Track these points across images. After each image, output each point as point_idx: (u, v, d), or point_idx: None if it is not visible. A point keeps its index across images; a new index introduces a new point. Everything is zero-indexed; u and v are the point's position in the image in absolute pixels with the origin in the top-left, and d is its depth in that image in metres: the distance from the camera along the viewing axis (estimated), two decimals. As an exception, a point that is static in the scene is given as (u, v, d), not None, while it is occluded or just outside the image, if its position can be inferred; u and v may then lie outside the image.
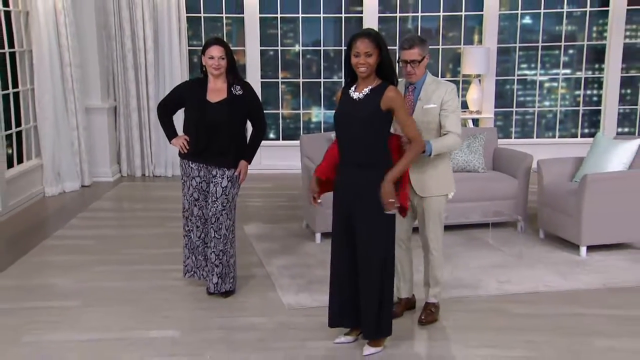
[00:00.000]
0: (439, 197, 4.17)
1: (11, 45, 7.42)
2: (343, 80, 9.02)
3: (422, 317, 4.31)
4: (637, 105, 9.40)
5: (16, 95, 7.56)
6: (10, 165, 7.33)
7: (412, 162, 3.82)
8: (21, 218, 6.98)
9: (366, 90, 3.73)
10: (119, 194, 8.14)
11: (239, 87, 4.65)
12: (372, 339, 3.94)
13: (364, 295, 3.86)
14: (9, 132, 7.34)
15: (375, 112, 3.69)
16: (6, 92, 7.29)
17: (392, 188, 3.67)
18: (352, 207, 3.79)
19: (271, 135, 9.38)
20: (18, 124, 7.60)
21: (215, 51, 4.53)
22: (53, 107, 7.77)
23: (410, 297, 4.52)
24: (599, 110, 9.38)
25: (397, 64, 4.01)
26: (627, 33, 9.17)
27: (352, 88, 3.80)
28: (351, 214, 3.80)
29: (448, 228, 6.07)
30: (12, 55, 7.46)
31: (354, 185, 3.78)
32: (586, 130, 9.51)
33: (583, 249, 5.56)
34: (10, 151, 7.41)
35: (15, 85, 7.52)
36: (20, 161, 7.64)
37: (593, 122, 9.50)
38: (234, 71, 4.66)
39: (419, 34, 9.13)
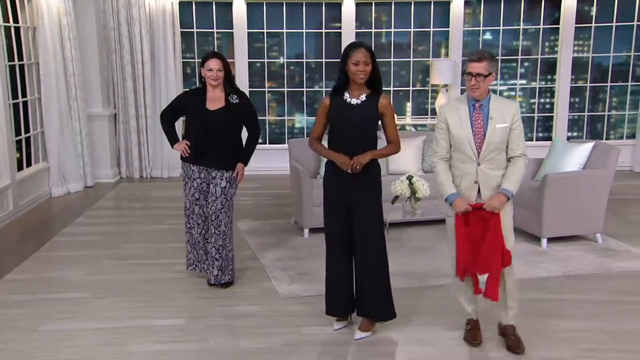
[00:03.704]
0: (509, 213, 3.72)
1: (20, 58, 7.30)
2: (323, 86, 9.12)
3: (513, 345, 3.75)
4: (584, 112, 9.53)
5: (25, 103, 7.44)
6: (19, 168, 7.20)
7: (384, 155, 3.89)
8: (31, 217, 6.87)
9: (362, 97, 3.79)
10: (120, 194, 8.04)
11: (235, 96, 4.63)
12: (380, 321, 3.98)
13: (369, 283, 3.88)
14: (18, 137, 7.22)
15: (373, 116, 3.80)
16: (16, 101, 7.18)
17: (366, 161, 3.72)
18: (353, 200, 3.83)
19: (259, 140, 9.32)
20: (27, 130, 7.48)
21: (214, 64, 4.51)
22: (58, 115, 7.67)
23: None
24: (552, 117, 9.51)
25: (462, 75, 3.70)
26: (575, 48, 9.28)
27: (346, 95, 3.81)
28: (351, 207, 3.83)
29: (425, 223, 6.17)
30: (21, 67, 7.34)
31: (354, 180, 3.79)
32: (540, 134, 9.63)
33: (544, 241, 5.63)
34: (19, 155, 7.28)
35: (24, 94, 7.40)
36: (28, 164, 7.52)
37: (546, 127, 9.61)
38: (231, 81, 4.66)
39: (392, 47, 9.20)
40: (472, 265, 3.68)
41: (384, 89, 3.94)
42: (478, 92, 3.57)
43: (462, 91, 9.25)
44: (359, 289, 3.94)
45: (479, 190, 3.66)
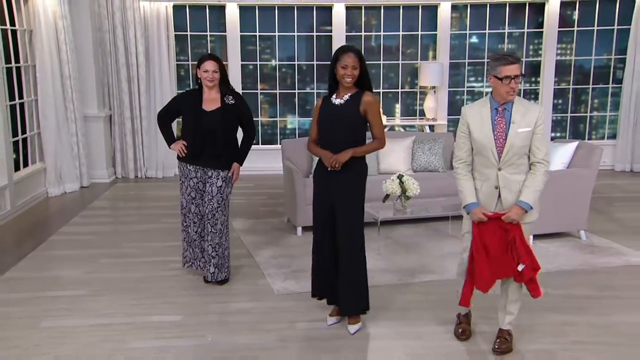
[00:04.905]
0: (527, 224, 3.57)
1: (17, 60, 7.25)
2: (314, 88, 9.11)
3: (496, 346, 3.68)
4: (567, 113, 9.59)
5: (21, 105, 7.39)
6: (17, 168, 7.15)
7: (367, 152, 3.84)
8: (28, 216, 6.81)
9: (346, 96, 3.80)
10: (116, 194, 7.99)
11: (231, 97, 4.61)
12: (353, 314, 3.97)
13: (342, 278, 3.88)
14: (15, 139, 7.16)
15: (355, 115, 3.78)
16: (13, 102, 7.12)
17: (345, 159, 3.71)
18: (334, 198, 3.84)
19: (252, 141, 9.32)
20: (23, 132, 7.43)
21: (209, 65, 4.50)
22: (55, 116, 7.62)
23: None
24: (536, 118, 9.53)
25: (500, 79, 3.35)
26: (559, 51, 9.34)
27: (334, 96, 3.85)
28: (333, 203, 3.85)
29: (415, 221, 6.19)
30: (18, 69, 7.29)
31: (335, 178, 3.81)
32: (525, 135, 9.64)
33: (530, 238, 5.58)
34: (16, 156, 7.21)
35: (20, 96, 7.35)
36: (25, 165, 7.47)
37: (531, 127, 9.64)
38: (226, 83, 4.63)
39: (381, 50, 9.20)
40: (489, 276, 3.59)
41: (374, 90, 3.94)
42: (515, 95, 3.41)
43: (450, 93, 9.32)
44: (337, 281, 3.95)
45: (499, 195, 3.52)
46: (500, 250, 3.53)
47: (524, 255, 3.52)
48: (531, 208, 3.47)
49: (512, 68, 3.35)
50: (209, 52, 8.95)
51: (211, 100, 4.57)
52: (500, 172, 3.49)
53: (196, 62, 4.60)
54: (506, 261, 3.54)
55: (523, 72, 3.42)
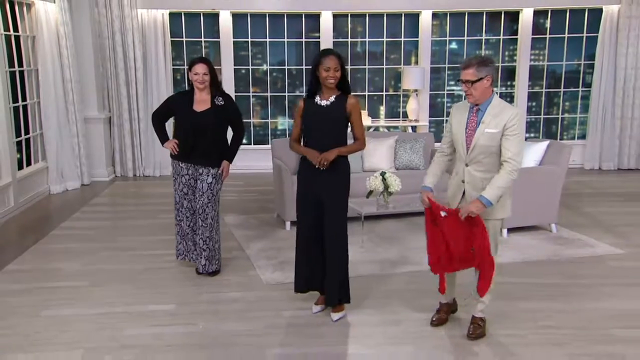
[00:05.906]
0: (495, 220, 3.55)
1: (20, 64, 7.21)
2: (303, 91, 9.06)
3: (470, 332, 3.73)
4: (540, 115, 9.65)
5: (25, 107, 7.35)
6: (20, 167, 7.11)
7: (350, 152, 3.85)
8: (31, 212, 6.78)
9: (332, 98, 3.82)
10: (115, 191, 7.97)
11: (221, 98, 4.61)
12: (338, 305, 3.99)
13: (331, 270, 3.89)
14: (19, 139, 7.12)
15: (341, 116, 3.81)
16: (16, 104, 7.08)
17: (332, 157, 3.73)
18: (322, 195, 3.84)
19: (244, 141, 9.28)
20: (26, 132, 7.39)
21: (200, 68, 4.50)
22: (56, 118, 7.58)
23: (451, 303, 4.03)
24: (512, 119, 9.57)
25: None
26: (532, 57, 9.39)
27: (317, 97, 3.85)
28: (319, 201, 3.86)
29: (397, 216, 6.21)
30: (21, 73, 7.25)
31: (322, 176, 3.82)
32: (501, 135, 9.68)
33: (505, 231, 5.69)
34: (19, 155, 7.18)
35: (24, 98, 7.31)
36: (28, 164, 7.43)
37: (507, 128, 9.68)
38: (216, 85, 4.63)
39: (367, 55, 9.22)
40: (448, 264, 3.64)
41: (359, 93, 3.96)
42: (472, 98, 3.42)
43: (431, 96, 9.35)
44: (324, 274, 3.96)
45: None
46: (463, 244, 3.54)
47: (484, 251, 3.50)
48: (491, 204, 3.39)
49: (462, 73, 3.42)
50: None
51: (202, 102, 4.57)
52: (466, 168, 3.52)
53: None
54: (467, 254, 3.56)
55: (480, 78, 3.35)
